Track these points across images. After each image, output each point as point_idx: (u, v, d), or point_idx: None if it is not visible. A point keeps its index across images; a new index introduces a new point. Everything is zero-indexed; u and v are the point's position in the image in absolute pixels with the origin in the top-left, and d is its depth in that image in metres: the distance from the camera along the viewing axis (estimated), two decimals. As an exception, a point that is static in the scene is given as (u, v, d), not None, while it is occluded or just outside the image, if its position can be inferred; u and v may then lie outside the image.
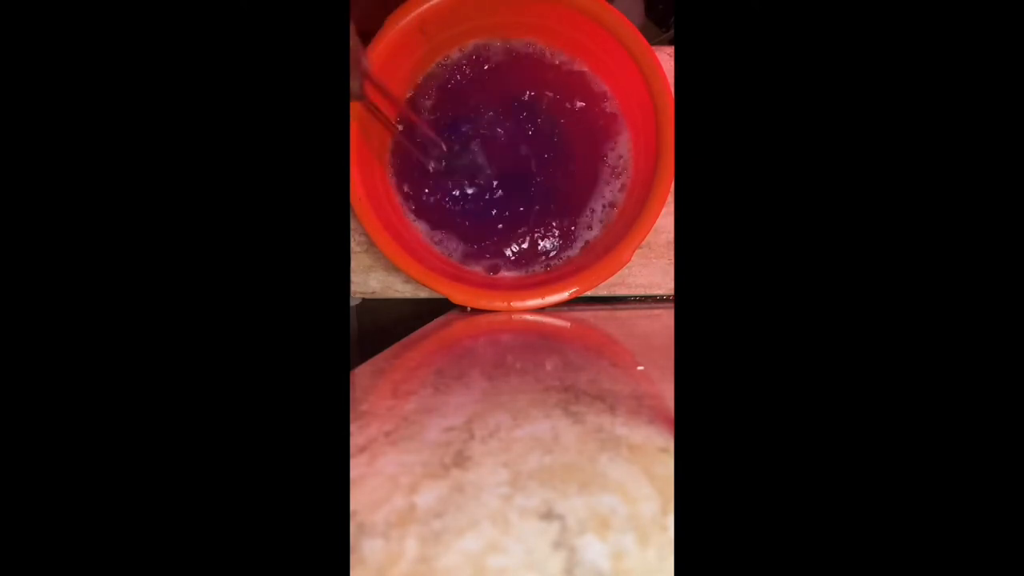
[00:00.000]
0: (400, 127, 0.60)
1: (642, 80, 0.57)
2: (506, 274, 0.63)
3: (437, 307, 0.63)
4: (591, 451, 0.23)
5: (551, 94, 0.64)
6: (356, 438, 0.25)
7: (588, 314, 0.60)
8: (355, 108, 0.56)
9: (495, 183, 0.63)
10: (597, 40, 0.58)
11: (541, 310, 0.59)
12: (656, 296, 0.66)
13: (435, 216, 0.63)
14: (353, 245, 0.64)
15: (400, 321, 0.63)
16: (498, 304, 0.58)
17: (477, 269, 0.63)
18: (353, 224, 0.60)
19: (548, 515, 0.18)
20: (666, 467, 0.22)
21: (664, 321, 0.56)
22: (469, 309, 0.60)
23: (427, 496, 0.20)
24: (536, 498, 0.19)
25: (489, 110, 0.63)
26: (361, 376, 0.36)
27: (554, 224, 0.63)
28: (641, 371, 0.37)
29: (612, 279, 0.59)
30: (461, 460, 0.22)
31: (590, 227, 0.63)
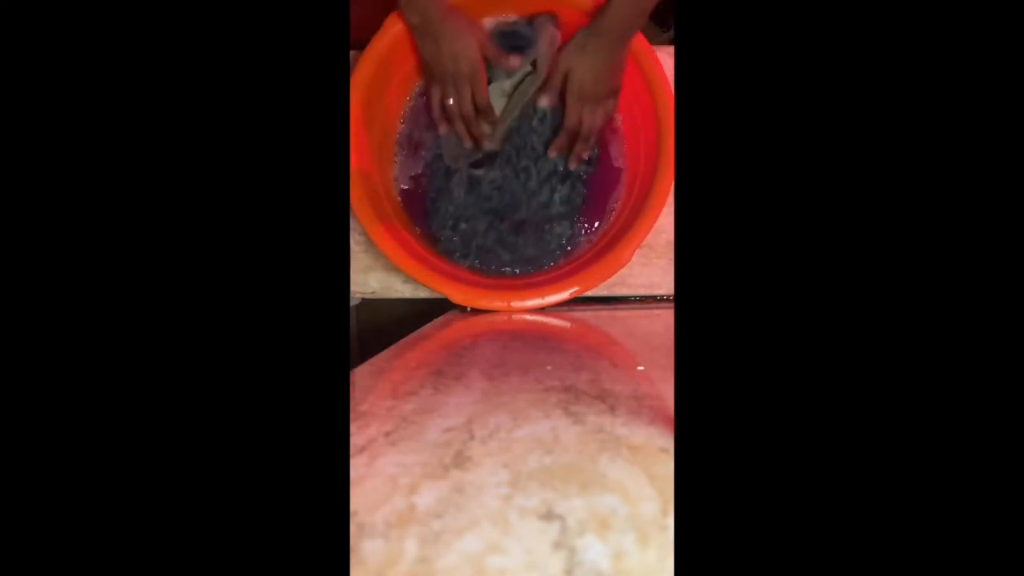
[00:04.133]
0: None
1: (642, 80, 0.57)
2: (506, 274, 0.63)
3: (437, 307, 0.63)
4: (591, 451, 0.23)
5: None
6: (356, 438, 0.25)
7: (588, 314, 0.60)
8: (356, 106, 0.56)
9: (496, 183, 0.63)
10: (597, 40, 0.58)
11: (541, 310, 0.59)
12: (656, 296, 0.65)
13: (435, 216, 0.63)
14: (353, 245, 0.64)
15: (400, 321, 0.63)
16: (498, 304, 0.58)
17: (477, 269, 0.63)
18: (353, 224, 0.60)
19: (548, 516, 0.18)
20: (666, 467, 0.22)
21: (664, 321, 0.56)
22: (469, 309, 0.60)
23: (427, 496, 0.20)
24: (536, 499, 0.19)
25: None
26: (361, 376, 0.36)
27: (555, 223, 0.63)
28: (641, 371, 0.37)
29: (612, 279, 0.59)
30: (461, 460, 0.22)
31: (590, 227, 0.63)
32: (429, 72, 0.54)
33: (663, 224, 0.58)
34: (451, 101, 0.54)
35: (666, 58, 0.58)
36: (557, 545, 0.17)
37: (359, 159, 0.57)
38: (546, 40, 0.54)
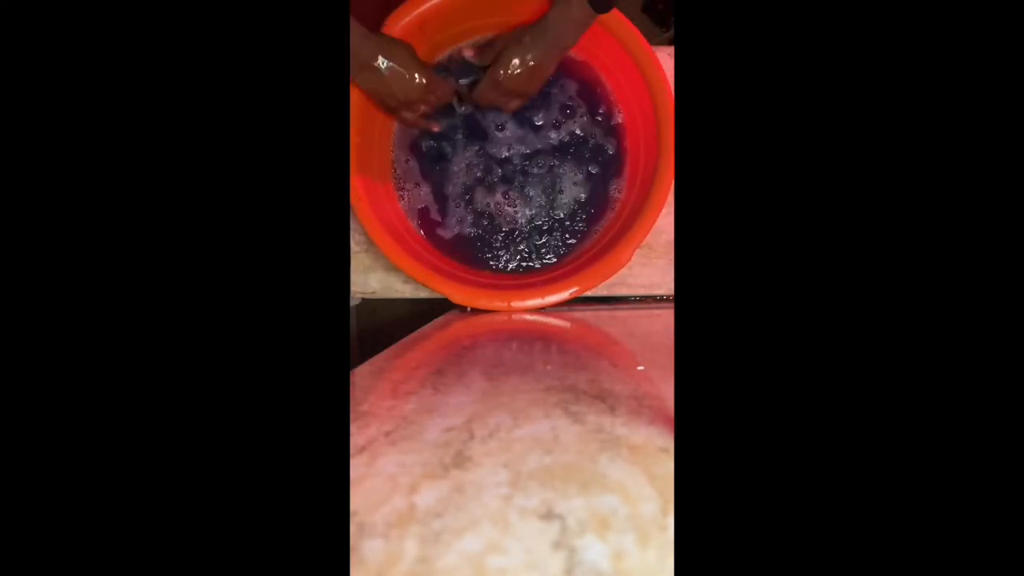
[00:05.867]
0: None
1: (642, 80, 0.57)
2: (506, 274, 0.63)
3: (437, 307, 0.63)
4: (591, 451, 0.23)
5: (551, 94, 0.63)
6: (356, 438, 0.25)
7: (588, 314, 0.60)
8: (355, 107, 0.56)
9: (495, 182, 0.63)
10: (597, 40, 0.58)
11: (541, 310, 0.59)
12: (656, 296, 0.65)
13: (435, 216, 0.63)
14: (353, 245, 0.64)
15: (400, 321, 0.63)
16: (498, 304, 0.58)
17: (477, 269, 0.63)
18: (353, 224, 0.60)
19: (548, 515, 0.18)
20: (666, 467, 0.22)
21: (664, 321, 0.56)
22: (469, 309, 0.60)
23: (427, 496, 0.20)
24: (536, 498, 0.19)
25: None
26: (361, 376, 0.36)
27: (554, 224, 0.63)
28: (641, 371, 0.37)
29: (612, 279, 0.59)
30: (461, 460, 0.22)
31: (590, 227, 0.63)
32: (385, 107, 0.56)
33: (663, 224, 0.58)
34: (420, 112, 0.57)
35: (666, 58, 0.58)
36: (557, 545, 0.17)
37: (359, 159, 0.57)
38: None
